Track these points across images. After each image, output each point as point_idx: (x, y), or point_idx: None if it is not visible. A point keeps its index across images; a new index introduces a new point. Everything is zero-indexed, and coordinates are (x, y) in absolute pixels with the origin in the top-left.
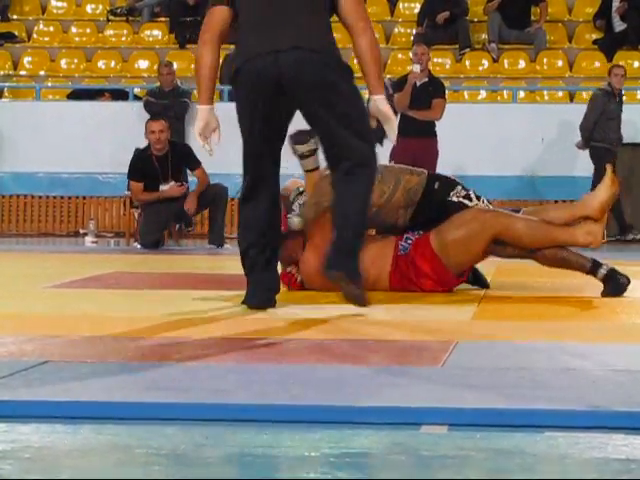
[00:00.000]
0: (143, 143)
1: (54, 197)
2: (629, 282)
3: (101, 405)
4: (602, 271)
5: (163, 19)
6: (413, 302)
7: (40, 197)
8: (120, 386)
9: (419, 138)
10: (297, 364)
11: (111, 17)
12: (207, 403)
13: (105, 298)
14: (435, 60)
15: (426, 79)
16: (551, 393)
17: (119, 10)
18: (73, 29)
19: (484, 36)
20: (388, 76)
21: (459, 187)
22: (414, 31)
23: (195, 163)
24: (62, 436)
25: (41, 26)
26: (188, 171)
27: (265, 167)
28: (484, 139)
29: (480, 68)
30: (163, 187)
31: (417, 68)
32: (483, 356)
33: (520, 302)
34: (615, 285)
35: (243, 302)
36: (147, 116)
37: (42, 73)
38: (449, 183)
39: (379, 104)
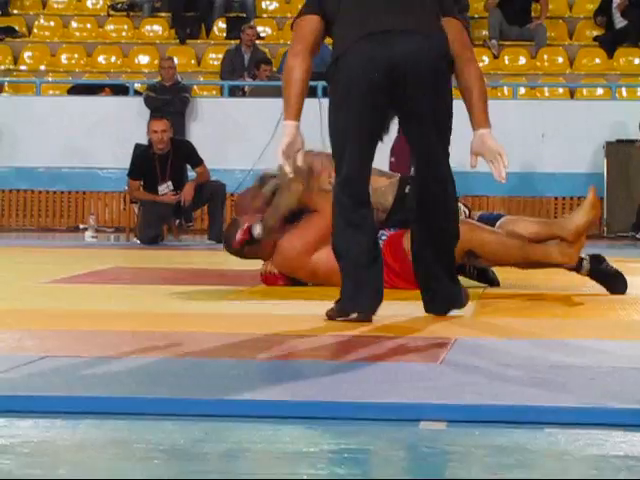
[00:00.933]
0: (143, 138)
1: (54, 192)
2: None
3: (100, 400)
4: (585, 265)
5: (164, 14)
6: (411, 299)
7: (40, 192)
8: (119, 381)
9: None
10: (295, 360)
11: (112, 12)
12: (206, 399)
13: (105, 293)
14: None
15: None
16: (550, 390)
17: (119, 5)
18: (73, 24)
19: (485, 32)
20: None
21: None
22: None
23: (197, 160)
24: (61, 431)
25: (41, 21)
26: (189, 167)
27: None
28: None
29: (480, 64)
30: (160, 187)
31: None
32: (482, 353)
33: (519, 299)
34: (606, 276)
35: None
36: (147, 111)
37: (42, 68)
38: (402, 184)
39: (486, 138)
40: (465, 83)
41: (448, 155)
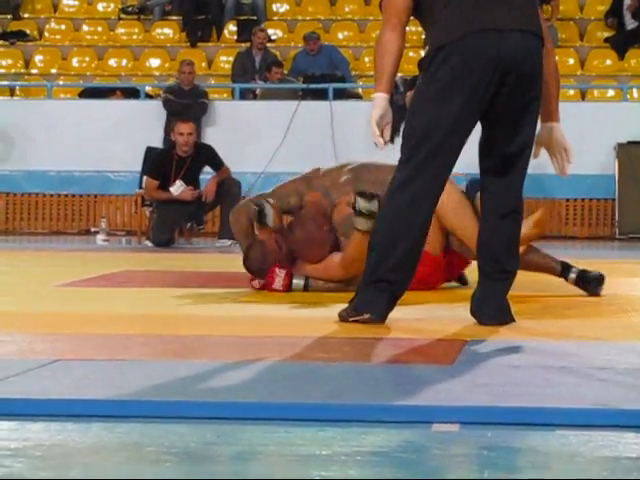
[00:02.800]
0: (155, 141)
1: (65, 195)
2: (602, 276)
3: (112, 403)
4: (572, 275)
5: (175, 17)
6: (422, 301)
7: (51, 195)
8: (131, 384)
9: None
10: (308, 362)
11: (122, 15)
12: (218, 401)
13: (116, 296)
14: None
15: None
16: (562, 391)
17: (130, 8)
18: (84, 27)
19: None
20: (400, 74)
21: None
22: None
23: (219, 163)
24: (73, 434)
25: (52, 24)
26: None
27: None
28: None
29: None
30: (172, 187)
31: None
32: (494, 354)
33: (530, 301)
34: (590, 282)
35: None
36: (161, 114)
37: (54, 71)
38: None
39: (555, 132)
40: (544, 74)
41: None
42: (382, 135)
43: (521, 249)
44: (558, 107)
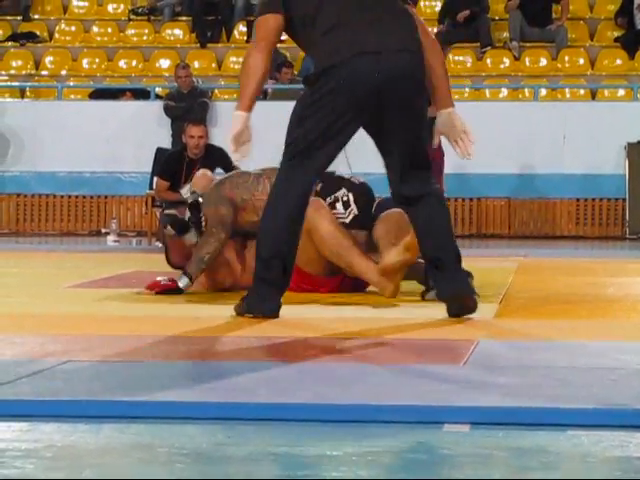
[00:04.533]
0: (165, 142)
1: (76, 196)
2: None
3: (123, 404)
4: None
5: (184, 18)
6: (431, 300)
7: (62, 196)
8: (142, 385)
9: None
10: (318, 363)
11: (132, 16)
12: (229, 402)
13: (127, 297)
14: (456, 58)
15: None
16: (573, 392)
17: (140, 9)
18: (94, 28)
19: (505, 34)
20: None
21: (342, 190)
22: (435, 29)
23: (230, 165)
24: (84, 435)
25: (62, 26)
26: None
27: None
28: (505, 137)
29: (501, 66)
30: (183, 190)
31: None
32: (505, 355)
33: (541, 301)
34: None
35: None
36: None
37: (64, 73)
38: (334, 186)
39: (452, 117)
40: (428, 66)
41: (428, 163)
42: (239, 151)
43: (397, 277)
44: (449, 93)
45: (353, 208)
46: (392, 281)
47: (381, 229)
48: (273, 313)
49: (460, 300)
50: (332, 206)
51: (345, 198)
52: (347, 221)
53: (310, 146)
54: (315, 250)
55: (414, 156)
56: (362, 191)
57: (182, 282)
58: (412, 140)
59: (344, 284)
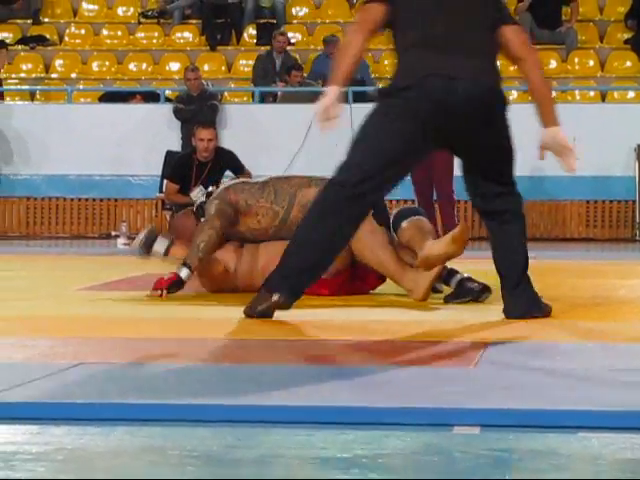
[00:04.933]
0: (175, 145)
1: (86, 199)
2: (483, 290)
3: (134, 407)
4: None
5: (194, 21)
6: (440, 304)
7: (72, 199)
8: (153, 388)
9: None
10: (328, 365)
11: (142, 19)
12: (240, 405)
13: (137, 300)
14: None
15: None
16: (584, 393)
17: (150, 12)
18: (104, 31)
19: None
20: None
21: None
22: None
23: (240, 168)
24: (95, 438)
25: (72, 29)
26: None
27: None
28: (515, 139)
29: (511, 68)
30: (193, 193)
31: None
32: (515, 357)
33: (551, 303)
34: (463, 290)
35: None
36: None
37: (74, 76)
38: None
39: (556, 134)
40: (532, 85)
41: (511, 181)
42: (325, 126)
43: (436, 269)
44: (553, 111)
45: None
46: (425, 281)
47: (410, 231)
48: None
49: (526, 319)
50: None
51: None
52: None
53: (376, 169)
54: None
55: (492, 174)
56: None
57: (182, 273)
58: (488, 160)
59: (344, 286)
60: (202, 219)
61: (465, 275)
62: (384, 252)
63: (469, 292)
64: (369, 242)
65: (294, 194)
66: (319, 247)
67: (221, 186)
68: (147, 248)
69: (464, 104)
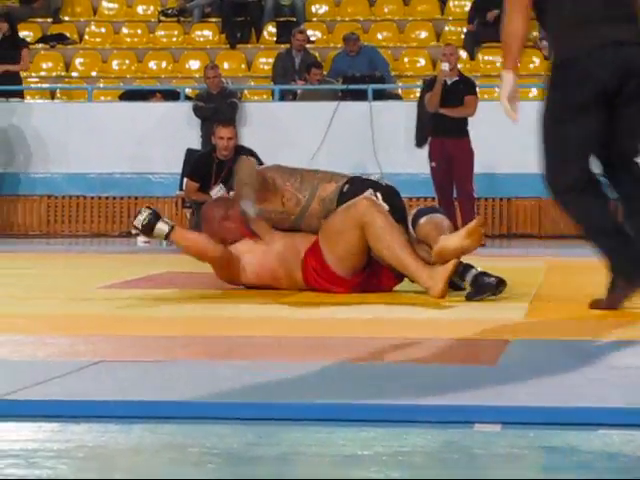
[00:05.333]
0: (195, 143)
1: (106, 197)
2: (499, 283)
3: (155, 405)
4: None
5: (214, 19)
6: (463, 300)
7: (92, 198)
8: (173, 386)
9: (452, 138)
10: (349, 363)
11: (162, 18)
12: (260, 402)
13: (158, 298)
14: (486, 58)
15: (456, 78)
16: (605, 391)
17: (170, 11)
18: (124, 30)
19: (535, 33)
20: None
21: (370, 190)
22: (464, 29)
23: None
24: (116, 435)
25: (92, 27)
26: None
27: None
28: (535, 137)
29: (531, 66)
30: (213, 191)
31: (445, 66)
32: (536, 354)
33: (572, 300)
34: (480, 285)
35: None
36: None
37: (94, 74)
38: (360, 187)
39: None
40: None
41: None
42: (511, 109)
43: (451, 264)
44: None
45: (383, 205)
46: (442, 276)
47: (428, 226)
48: None
49: None
50: None
51: (373, 197)
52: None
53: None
54: (345, 249)
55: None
56: (389, 191)
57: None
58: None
59: (361, 285)
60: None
61: (479, 270)
62: (402, 251)
63: (487, 287)
64: (387, 241)
65: (316, 186)
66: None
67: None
68: (149, 229)
69: (636, 66)
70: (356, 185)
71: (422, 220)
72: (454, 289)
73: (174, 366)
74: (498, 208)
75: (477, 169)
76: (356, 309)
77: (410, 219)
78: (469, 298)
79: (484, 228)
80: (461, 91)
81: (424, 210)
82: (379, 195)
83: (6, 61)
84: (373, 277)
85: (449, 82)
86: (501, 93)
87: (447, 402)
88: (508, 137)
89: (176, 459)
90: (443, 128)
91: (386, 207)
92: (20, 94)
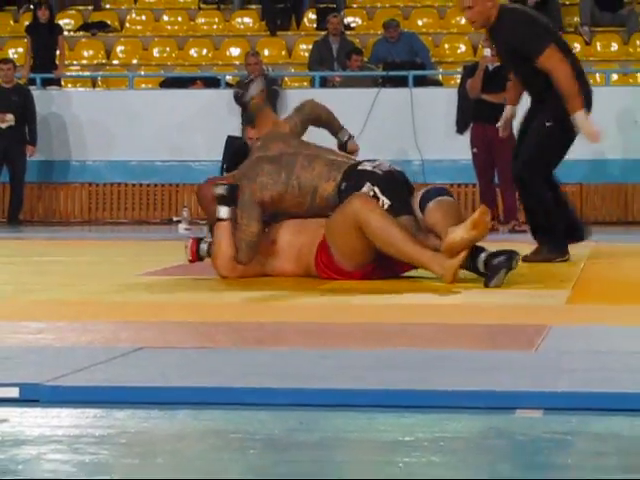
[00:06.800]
0: (236, 130)
1: (148, 185)
2: (510, 257)
3: (197, 390)
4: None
5: (254, 6)
6: (503, 286)
7: (134, 185)
8: (215, 372)
9: (494, 124)
10: (389, 349)
11: (202, 5)
12: (301, 388)
13: (199, 285)
14: None
15: (498, 63)
16: None
17: None
18: (165, 17)
19: (576, 19)
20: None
21: (367, 186)
22: None
23: None
24: (158, 421)
25: (133, 15)
26: None
27: None
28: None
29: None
30: None
31: (487, 52)
32: (577, 340)
33: (614, 286)
34: (493, 268)
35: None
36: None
37: (135, 62)
38: (358, 183)
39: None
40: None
41: None
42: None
43: (462, 254)
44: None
45: (383, 200)
46: (453, 265)
47: (436, 214)
48: None
49: None
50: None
51: (372, 193)
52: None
53: None
54: (349, 248)
55: None
56: (388, 180)
57: (202, 249)
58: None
59: (375, 272)
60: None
61: (487, 252)
62: (405, 245)
63: (499, 267)
64: (387, 238)
65: (316, 188)
66: None
67: (242, 178)
68: (224, 198)
69: None
70: (353, 180)
71: (431, 205)
72: (479, 274)
73: (215, 352)
74: None
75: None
76: (390, 297)
77: (418, 200)
78: (487, 285)
79: (488, 217)
80: (503, 77)
81: (432, 192)
82: (376, 189)
83: (46, 48)
84: (385, 265)
85: (491, 68)
86: (590, 131)
87: (488, 388)
88: None
89: (218, 445)
90: (485, 114)
91: (387, 203)
92: (57, 82)
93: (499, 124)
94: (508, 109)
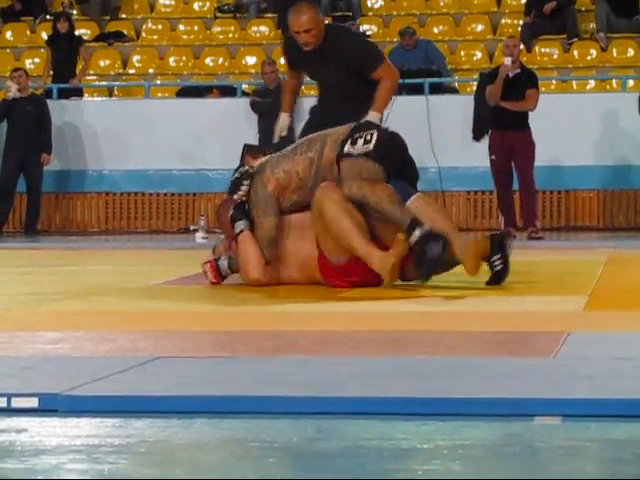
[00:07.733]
0: (252, 139)
1: (164, 194)
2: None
3: (215, 399)
4: (416, 234)
5: (270, 15)
6: (521, 293)
7: (150, 194)
8: (232, 380)
9: (513, 131)
10: (407, 356)
11: (218, 14)
12: (320, 396)
13: (215, 294)
14: (543, 50)
15: (518, 70)
16: None
17: (226, 7)
18: (181, 27)
19: (592, 25)
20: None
21: (369, 131)
22: (521, 22)
23: None
24: (177, 430)
25: (149, 25)
26: None
27: None
28: (593, 129)
29: (588, 57)
30: None
31: (508, 60)
32: (596, 347)
33: (632, 293)
34: (424, 254)
35: None
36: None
37: (151, 71)
38: (363, 129)
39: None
40: None
41: None
42: None
43: (398, 253)
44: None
45: (370, 145)
46: (389, 262)
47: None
48: None
49: None
50: (354, 142)
51: (369, 137)
52: (356, 153)
53: None
54: (328, 238)
55: None
56: (388, 136)
57: (223, 266)
58: None
59: (362, 275)
60: (234, 195)
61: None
62: (352, 238)
63: (430, 262)
64: (336, 230)
65: (325, 140)
66: None
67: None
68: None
69: None
70: (362, 127)
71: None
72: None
73: (233, 361)
74: (557, 200)
75: (538, 161)
76: (408, 304)
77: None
78: (489, 284)
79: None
80: (522, 84)
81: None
82: (375, 135)
83: (66, 60)
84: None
85: (510, 75)
86: None
87: (507, 395)
88: (567, 129)
89: (237, 454)
90: (504, 121)
91: (370, 148)
92: (78, 92)
93: None
94: None
